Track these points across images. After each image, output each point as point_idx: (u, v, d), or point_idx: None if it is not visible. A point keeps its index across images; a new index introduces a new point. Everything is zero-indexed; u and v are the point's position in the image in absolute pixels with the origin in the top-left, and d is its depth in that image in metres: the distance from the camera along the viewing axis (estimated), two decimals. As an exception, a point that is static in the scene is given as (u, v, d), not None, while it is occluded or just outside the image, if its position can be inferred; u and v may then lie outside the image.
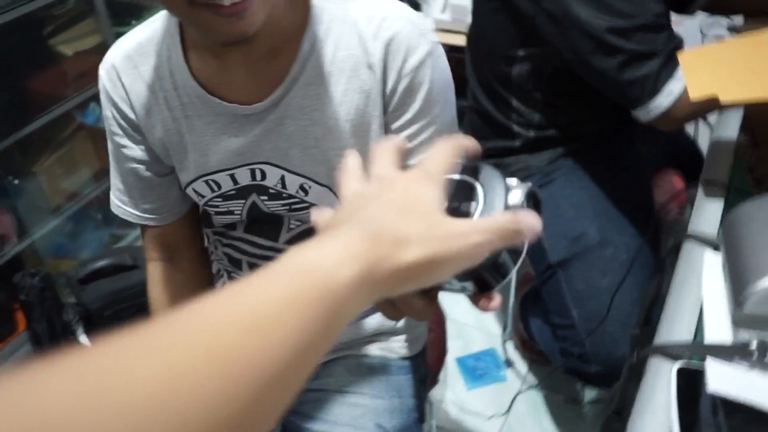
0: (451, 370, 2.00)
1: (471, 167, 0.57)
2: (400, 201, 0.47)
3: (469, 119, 1.61)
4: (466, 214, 0.53)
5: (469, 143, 0.55)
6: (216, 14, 0.71)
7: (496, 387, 1.95)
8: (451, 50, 2.01)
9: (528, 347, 1.97)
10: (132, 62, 0.91)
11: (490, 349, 2.06)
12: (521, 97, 1.44)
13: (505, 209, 0.52)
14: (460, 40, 1.64)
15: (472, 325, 2.14)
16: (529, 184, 0.56)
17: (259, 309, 0.36)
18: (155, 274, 1.09)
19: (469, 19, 1.58)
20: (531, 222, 0.50)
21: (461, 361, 2.03)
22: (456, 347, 2.07)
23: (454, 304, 2.20)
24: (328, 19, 0.86)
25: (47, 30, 2.04)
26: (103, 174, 2.23)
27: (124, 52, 0.92)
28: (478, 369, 2.00)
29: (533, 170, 1.48)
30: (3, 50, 1.84)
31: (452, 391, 1.94)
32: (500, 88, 1.46)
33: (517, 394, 1.91)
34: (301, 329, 0.37)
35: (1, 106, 1.93)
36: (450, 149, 0.54)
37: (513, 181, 0.56)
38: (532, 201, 0.56)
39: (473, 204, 0.54)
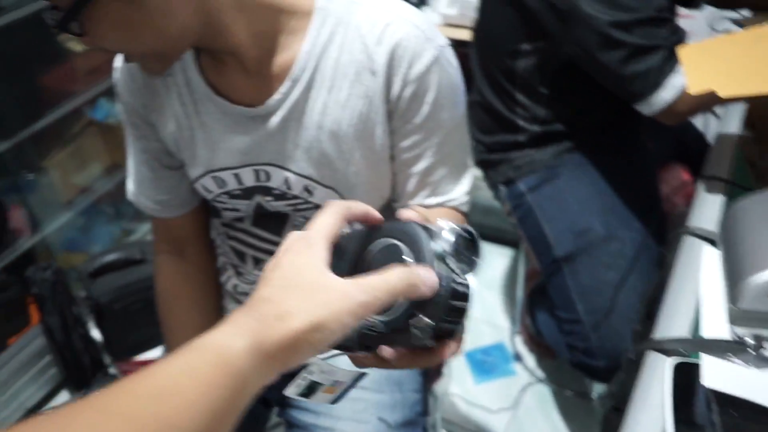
0: (459, 365, 2.00)
1: (392, 229, 0.59)
2: (284, 277, 0.53)
3: (474, 113, 1.61)
4: None
5: (361, 210, 0.59)
6: None
7: (505, 381, 1.95)
8: (457, 45, 2.01)
9: (536, 342, 1.97)
10: None
11: (499, 343, 2.06)
12: (526, 91, 1.44)
13: (436, 258, 0.55)
14: (467, 35, 1.63)
15: (480, 320, 2.14)
16: (456, 228, 0.57)
17: (163, 379, 0.43)
18: (163, 267, 1.10)
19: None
20: (424, 276, 0.53)
21: (470, 356, 2.03)
22: (464, 341, 2.06)
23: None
24: (332, 22, 0.85)
25: (56, 27, 2.06)
26: (113, 169, 2.25)
27: None
28: (487, 363, 2.00)
29: (538, 165, 1.48)
30: (15, 47, 1.86)
31: (460, 386, 1.94)
32: (505, 82, 1.46)
33: (524, 388, 1.91)
34: (203, 394, 0.42)
35: (15, 102, 1.95)
36: (334, 213, 0.57)
37: (444, 223, 0.57)
38: (465, 239, 0.58)
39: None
